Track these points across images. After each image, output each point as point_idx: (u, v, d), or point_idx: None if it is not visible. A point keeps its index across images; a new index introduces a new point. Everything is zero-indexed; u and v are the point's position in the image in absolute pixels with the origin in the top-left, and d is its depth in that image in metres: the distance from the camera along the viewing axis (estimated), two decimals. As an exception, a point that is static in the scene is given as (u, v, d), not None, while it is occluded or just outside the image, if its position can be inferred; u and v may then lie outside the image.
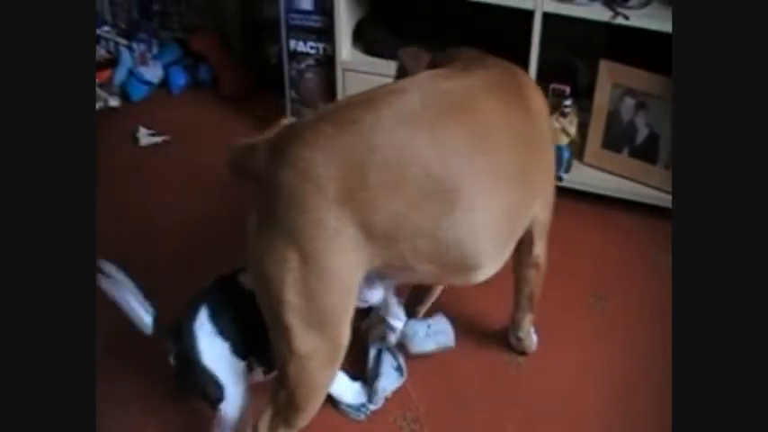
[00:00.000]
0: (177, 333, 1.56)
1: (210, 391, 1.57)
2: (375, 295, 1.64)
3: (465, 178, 1.46)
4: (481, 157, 1.50)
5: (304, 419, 1.57)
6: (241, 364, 1.59)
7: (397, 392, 1.91)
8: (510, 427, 1.86)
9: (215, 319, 1.56)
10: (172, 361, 1.59)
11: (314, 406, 1.56)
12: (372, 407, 1.88)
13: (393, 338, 1.94)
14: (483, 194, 1.49)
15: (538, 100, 1.71)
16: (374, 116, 1.42)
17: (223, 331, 1.56)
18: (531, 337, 2.00)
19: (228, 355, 1.56)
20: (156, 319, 1.58)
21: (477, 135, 1.50)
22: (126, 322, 1.58)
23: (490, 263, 1.58)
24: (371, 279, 1.57)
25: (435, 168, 1.43)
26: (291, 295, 1.42)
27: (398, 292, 1.90)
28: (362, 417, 1.86)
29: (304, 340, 1.45)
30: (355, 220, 1.40)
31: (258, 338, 1.53)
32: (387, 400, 1.89)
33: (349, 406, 1.86)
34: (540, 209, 1.74)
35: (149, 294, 1.60)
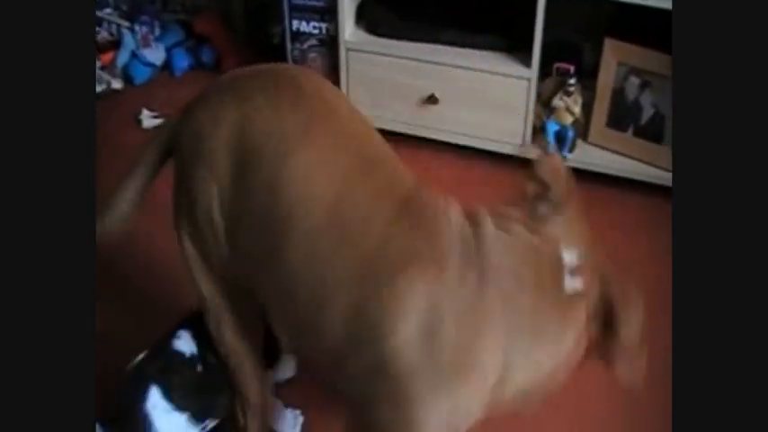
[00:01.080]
0: (125, 414, 1.49)
1: None
2: None
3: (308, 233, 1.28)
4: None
5: (232, 357, 1.54)
6: (198, 428, 1.56)
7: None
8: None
9: (169, 395, 1.50)
10: None
11: (227, 339, 1.53)
12: None
13: None
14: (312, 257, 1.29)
15: None
16: (255, 101, 1.38)
17: (179, 405, 1.52)
18: None
19: (185, 424, 1.53)
20: None
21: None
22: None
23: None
24: None
25: (288, 196, 1.30)
26: (187, 244, 1.46)
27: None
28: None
29: (204, 287, 1.48)
30: (223, 209, 1.39)
31: (212, 396, 1.55)
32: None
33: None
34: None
35: (153, 284, 1.59)
